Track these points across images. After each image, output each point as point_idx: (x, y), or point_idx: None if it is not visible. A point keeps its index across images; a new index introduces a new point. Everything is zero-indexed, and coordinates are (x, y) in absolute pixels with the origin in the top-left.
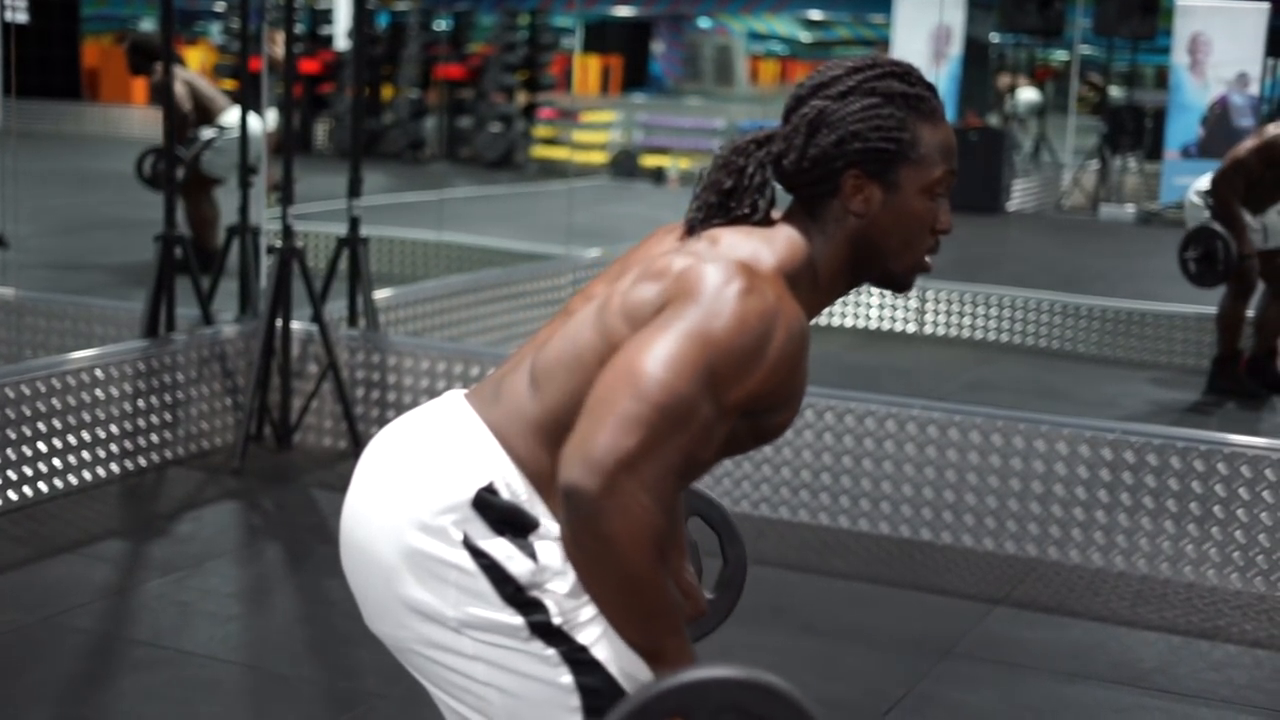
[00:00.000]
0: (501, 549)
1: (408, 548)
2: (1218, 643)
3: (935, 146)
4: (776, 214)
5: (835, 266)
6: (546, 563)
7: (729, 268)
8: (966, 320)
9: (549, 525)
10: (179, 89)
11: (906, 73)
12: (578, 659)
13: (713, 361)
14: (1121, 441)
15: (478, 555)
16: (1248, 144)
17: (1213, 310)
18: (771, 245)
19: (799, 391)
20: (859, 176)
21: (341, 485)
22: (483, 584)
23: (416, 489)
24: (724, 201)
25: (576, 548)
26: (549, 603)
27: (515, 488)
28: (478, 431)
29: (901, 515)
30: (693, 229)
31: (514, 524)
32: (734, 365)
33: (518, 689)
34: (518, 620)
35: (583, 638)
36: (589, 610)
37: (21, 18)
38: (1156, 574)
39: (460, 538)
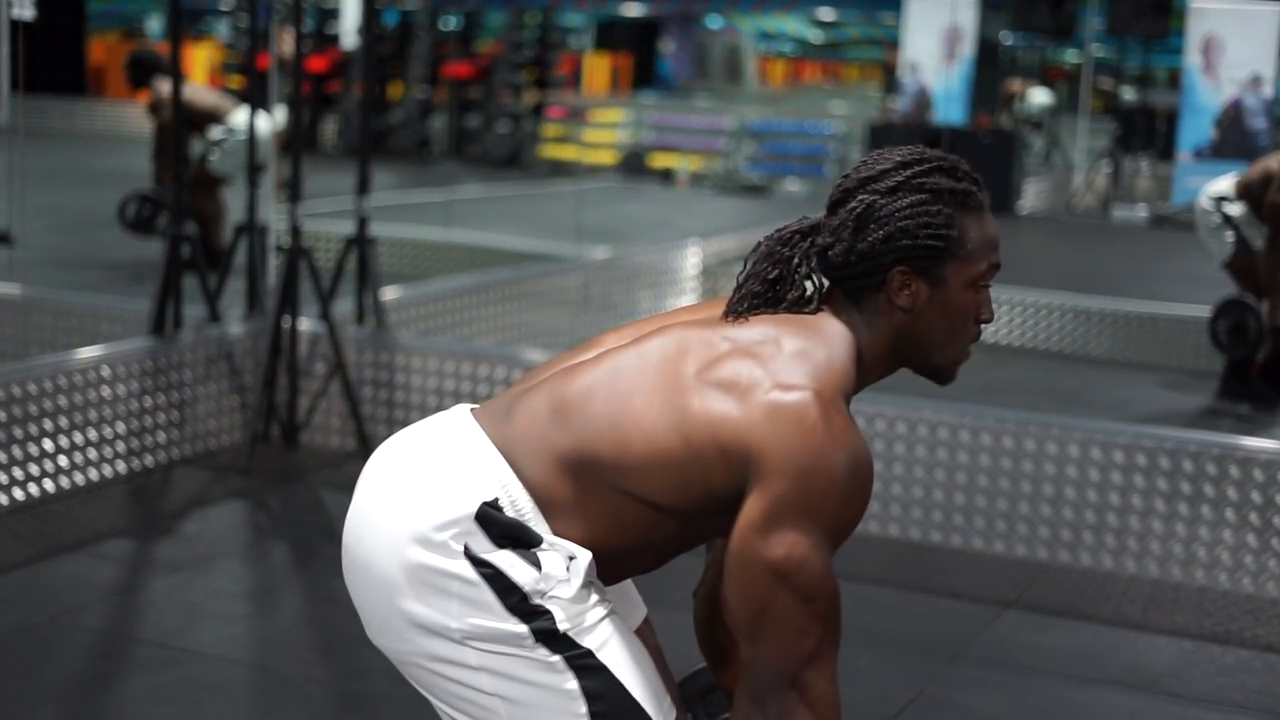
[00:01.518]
0: (504, 559)
1: (409, 562)
2: (1230, 647)
3: (981, 241)
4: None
5: (877, 354)
6: (550, 571)
7: (809, 411)
8: None
9: (553, 540)
10: (168, 104)
11: (954, 168)
12: (583, 664)
13: (835, 537)
14: (1133, 445)
15: (480, 565)
16: (1276, 197)
17: None
18: (828, 349)
19: None
20: (906, 273)
21: (349, 485)
22: (486, 594)
23: (418, 503)
24: (768, 291)
25: None
26: (554, 609)
27: (520, 505)
28: (483, 448)
29: (911, 518)
30: (736, 316)
31: (516, 539)
32: (849, 527)
33: (523, 697)
34: (521, 628)
35: (588, 642)
36: (595, 614)
37: (28, 14)
38: (1168, 578)
39: (461, 549)
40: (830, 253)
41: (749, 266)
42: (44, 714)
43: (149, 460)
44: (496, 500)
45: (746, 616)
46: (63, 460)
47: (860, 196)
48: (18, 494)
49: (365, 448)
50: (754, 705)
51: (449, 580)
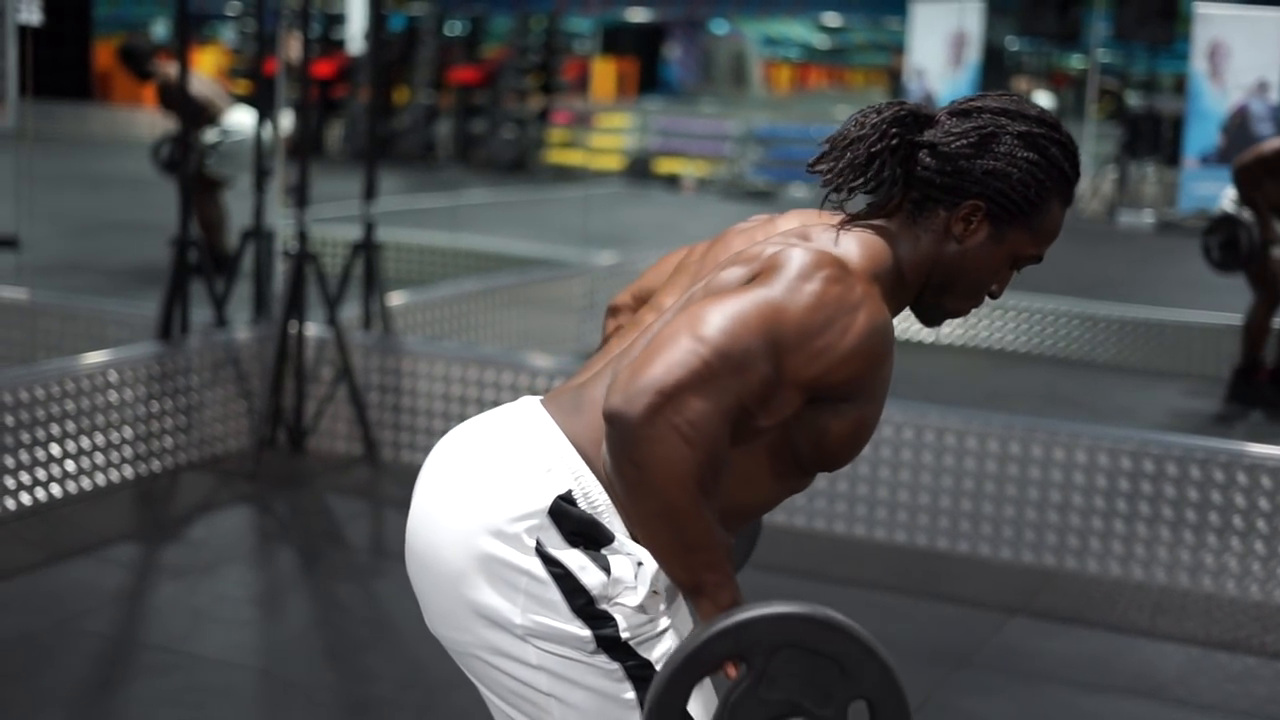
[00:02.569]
0: (575, 559)
1: (480, 553)
2: (1237, 654)
3: (1050, 228)
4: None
5: (915, 275)
6: (619, 575)
7: (820, 256)
8: (983, 328)
9: (624, 541)
10: (175, 82)
11: (1075, 155)
12: (642, 675)
13: (780, 328)
14: (1140, 451)
15: (550, 564)
16: (1275, 142)
17: (1232, 319)
18: (864, 246)
19: (875, 395)
20: (981, 210)
21: (355, 490)
22: (553, 593)
23: (492, 494)
24: (868, 162)
25: (616, 474)
26: (619, 617)
27: (594, 498)
28: (556, 440)
29: (918, 524)
30: (815, 169)
31: (588, 536)
32: (802, 339)
33: (579, 701)
34: (585, 633)
35: (649, 654)
36: (658, 625)
37: (34, 19)
38: (1175, 585)
39: (533, 544)
40: (936, 149)
41: (851, 124)
42: (50, 718)
43: (155, 465)
44: (570, 493)
45: (646, 349)
46: (69, 465)
47: (991, 123)
48: (25, 499)
49: (371, 453)
50: (607, 422)
51: (518, 575)
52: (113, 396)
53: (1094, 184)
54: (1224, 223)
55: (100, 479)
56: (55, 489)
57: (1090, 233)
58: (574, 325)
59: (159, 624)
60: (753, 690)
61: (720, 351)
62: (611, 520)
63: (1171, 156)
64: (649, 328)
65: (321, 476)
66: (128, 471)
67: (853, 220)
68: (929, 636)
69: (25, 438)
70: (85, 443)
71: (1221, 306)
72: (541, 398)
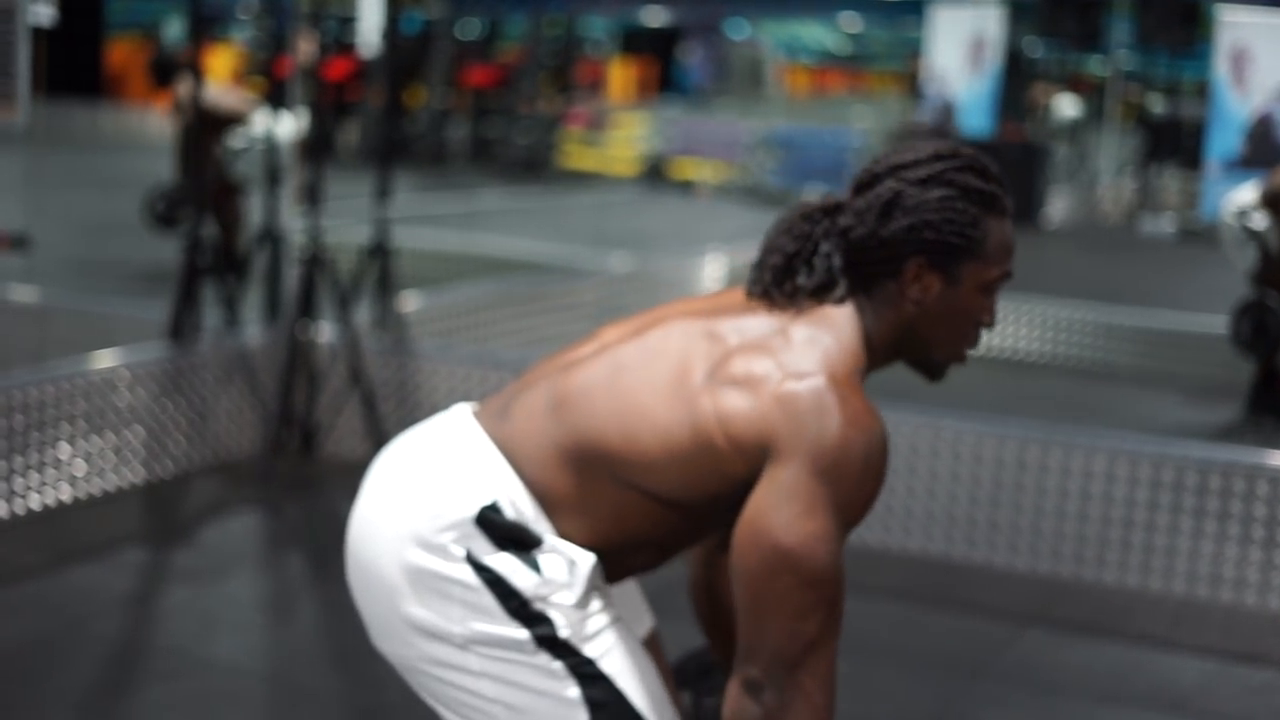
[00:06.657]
0: (505, 563)
1: (409, 565)
2: (1258, 666)
3: (999, 246)
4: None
5: (882, 344)
6: (551, 575)
7: (824, 395)
8: (1002, 336)
9: (554, 541)
10: (188, 106)
11: (984, 169)
12: (585, 672)
13: (848, 520)
14: (1160, 460)
15: (480, 570)
16: None
17: None
18: (838, 336)
19: None
20: (923, 265)
21: None
22: (487, 599)
23: (418, 506)
24: (787, 265)
25: None
26: (555, 615)
27: (521, 506)
28: (483, 448)
29: (934, 532)
30: (754, 294)
31: (518, 541)
32: (861, 510)
33: (525, 704)
34: (523, 634)
35: (591, 650)
36: (598, 622)
37: (45, 19)
38: (1195, 595)
39: (462, 554)
40: (851, 234)
41: (768, 240)
42: None
43: (166, 468)
44: (496, 503)
45: (749, 597)
46: (79, 467)
47: (889, 183)
48: (34, 501)
49: None
50: (746, 690)
51: (450, 585)
52: (123, 398)
53: (1115, 190)
54: (1252, 308)
55: (110, 481)
56: (65, 491)
57: (1111, 240)
58: (588, 330)
59: (168, 628)
60: None
61: (829, 589)
62: (539, 526)
63: (1193, 162)
64: (609, 348)
65: (333, 480)
66: (138, 474)
67: (806, 308)
68: (944, 647)
69: (35, 439)
70: (95, 444)
71: (1234, 303)
72: (474, 406)
